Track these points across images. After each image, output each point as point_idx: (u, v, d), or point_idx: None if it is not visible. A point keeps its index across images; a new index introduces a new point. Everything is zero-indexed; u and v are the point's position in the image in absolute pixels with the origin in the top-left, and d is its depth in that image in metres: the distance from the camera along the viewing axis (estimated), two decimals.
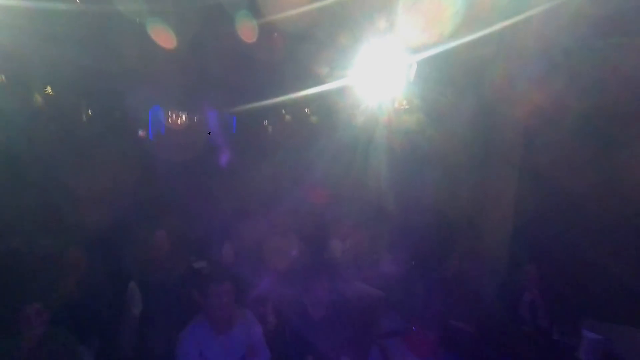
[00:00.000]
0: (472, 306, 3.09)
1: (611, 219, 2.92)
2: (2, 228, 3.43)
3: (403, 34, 4.03)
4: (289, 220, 4.00)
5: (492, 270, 3.45)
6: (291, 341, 2.48)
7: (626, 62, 2.75)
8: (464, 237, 3.80)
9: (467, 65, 3.83)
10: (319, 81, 5.45)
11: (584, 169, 3.00)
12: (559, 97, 3.06)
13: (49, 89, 6.43)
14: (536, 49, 3.34)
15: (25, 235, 3.47)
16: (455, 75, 4.18)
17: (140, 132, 9.74)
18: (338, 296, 2.72)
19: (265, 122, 11.51)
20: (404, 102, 4.93)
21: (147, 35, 4.61)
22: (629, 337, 2.59)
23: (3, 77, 5.21)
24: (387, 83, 4.71)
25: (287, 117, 10.60)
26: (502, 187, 3.71)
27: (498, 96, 3.71)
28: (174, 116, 11.86)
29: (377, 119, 5.30)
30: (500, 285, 3.22)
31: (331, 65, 5.31)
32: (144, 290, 2.81)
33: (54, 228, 3.59)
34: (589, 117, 2.93)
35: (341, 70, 5.01)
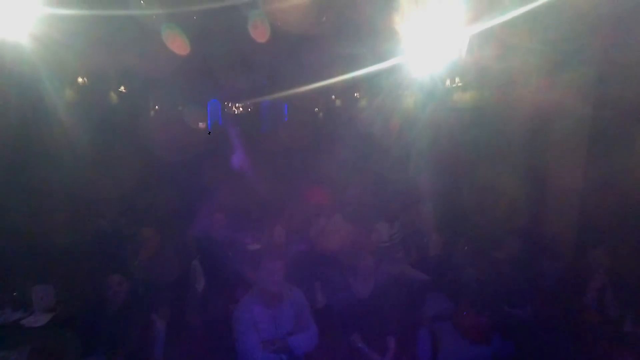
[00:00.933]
0: (529, 291, 2.93)
1: None
2: (90, 212, 3.97)
3: (454, 6, 3.79)
4: (336, 202, 4.09)
5: (554, 253, 3.21)
6: (337, 319, 2.57)
7: None
8: (523, 217, 3.57)
9: (527, 36, 3.51)
10: (367, 63, 5.37)
11: None
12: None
13: (122, 88, 7.17)
14: None
15: (108, 218, 4.00)
16: (515, 50, 3.85)
17: (200, 124, 10.48)
18: (383, 277, 2.75)
19: (316, 109, 11.64)
20: (457, 80, 4.68)
21: (202, 35, 4.89)
22: None
23: (85, 79, 5.91)
24: (438, 60, 4.49)
25: (337, 101, 10.59)
26: (568, 164, 3.40)
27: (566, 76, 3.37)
28: (231, 107, 12.47)
29: (429, 98, 5.11)
30: (564, 269, 3.00)
31: (380, 45, 5.16)
32: (205, 268, 3.09)
33: (130, 211, 4.08)
34: None
35: (390, 49, 4.87)
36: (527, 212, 3.51)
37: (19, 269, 2.77)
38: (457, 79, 4.68)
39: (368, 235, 3.75)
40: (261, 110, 12.16)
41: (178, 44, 5.15)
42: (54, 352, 2.05)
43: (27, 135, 4.25)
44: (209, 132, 9.79)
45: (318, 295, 3.42)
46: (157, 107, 9.04)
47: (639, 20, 2.54)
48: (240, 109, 12.99)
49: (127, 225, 3.77)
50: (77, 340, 2.13)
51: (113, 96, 6.91)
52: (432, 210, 4.05)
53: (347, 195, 4.17)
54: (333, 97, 10.70)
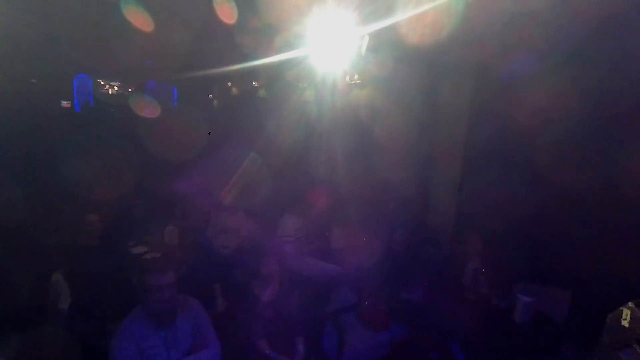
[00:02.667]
0: (420, 277, 3.21)
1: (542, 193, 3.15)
2: None
3: (355, 5, 3.87)
4: (238, 198, 3.82)
5: (438, 241, 3.61)
6: (242, 325, 2.36)
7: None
8: (412, 210, 3.91)
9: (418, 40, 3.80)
10: (268, 53, 5.14)
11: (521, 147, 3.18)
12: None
13: None
14: None
15: None
16: (407, 50, 4.15)
17: (64, 103, 8.60)
18: (290, 274, 2.64)
19: (210, 96, 10.81)
20: (356, 77, 4.84)
21: None
22: (556, 297, 2.86)
23: None
24: (338, 56, 4.56)
25: (234, 89, 10.03)
26: (447, 162, 3.84)
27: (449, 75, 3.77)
28: (104, 86, 10.71)
29: (328, 93, 5.18)
30: (447, 255, 3.38)
31: (281, 36, 4.99)
32: (72, 281, 2.49)
33: None
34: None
35: (291, 41, 4.75)
36: (416, 204, 3.85)
37: None
38: (355, 76, 4.84)
39: (273, 231, 3.60)
40: (145, 92, 10.68)
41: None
42: None
43: None
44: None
45: (218, 299, 3.15)
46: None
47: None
48: (116, 88, 11.23)
49: None
50: None
51: None
52: (332, 203, 4.12)
53: (250, 190, 3.92)
54: (229, 84, 10.09)
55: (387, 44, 4.05)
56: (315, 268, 3.34)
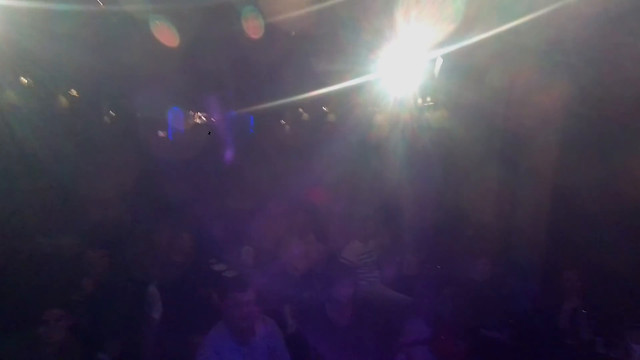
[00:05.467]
0: (505, 314, 2.91)
1: None
2: (25, 228, 3.46)
3: (427, 26, 3.86)
4: (308, 221, 3.91)
5: (526, 275, 3.24)
6: (312, 348, 2.36)
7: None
8: (494, 239, 3.60)
9: (496, 58, 3.62)
10: (338, 78, 5.32)
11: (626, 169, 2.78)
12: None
13: (73, 92, 6.56)
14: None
15: (48, 235, 3.51)
16: (484, 70, 3.96)
17: (161, 133, 9.86)
18: (362, 301, 2.59)
19: (282, 121, 11.46)
20: (428, 99, 4.75)
21: (158, 38, 4.57)
22: None
23: (29, 80, 5.32)
24: (410, 79, 4.54)
25: (305, 115, 10.50)
26: (535, 187, 3.49)
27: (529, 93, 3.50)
28: (193, 117, 11.97)
29: (399, 116, 5.14)
30: (537, 292, 3.02)
31: (350, 61, 5.14)
32: (163, 294, 2.76)
33: (75, 228, 3.61)
34: None
35: (361, 65, 4.86)
36: (499, 233, 3.54)
37: None
38: (428, 98, 4.75)
39: (341, 256, 3.60)
40: (226, 121, 11.73)
41: (140, 44, 4.79)
42: None
43: None
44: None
45: (289, 320, 3.20)
46: (111, 112, 8.38)
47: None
48: (203, 118, 12.47)
49: (69, 245, 3.31)
50: None
51: (62, 100, 6.29)
52: (405, 229, 3.99)
53: (320, 214, 4.00)
54: (300, 110, 10.60)
55: (462, 64, 3.93)
56: (386, 296, 3.23)
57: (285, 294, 3.30)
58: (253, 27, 4.50)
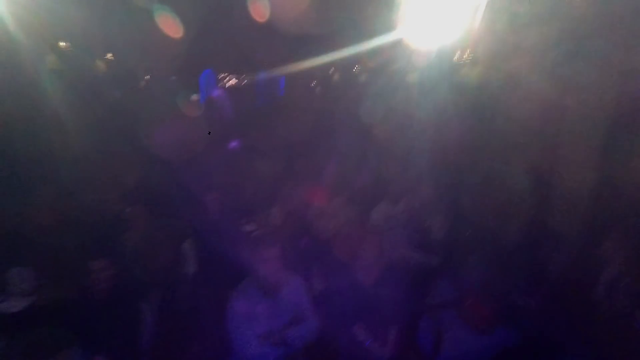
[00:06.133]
0: (536, 281, 2.82)
1: None
2: (74, 186, 3.72)
3: None
4: (336, 181, 3.90)
5: (562, 242, 3.07)
6: (337, 307, 2.43)
7: None
8: (529, 203, 3.41)
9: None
10: (369, 34, 5.02)
11: None
12: None
13: (109, 55, 6.73)
14: None
15: (95, 193, 3.76)
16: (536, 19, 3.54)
17: (194, 96, 10.02)
18: (386, 262, 2.59)
19: (313, 83, 11.19)
20: (468, 53, 4.38)
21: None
22: None
23: (68, 44, 5.49)
24: (447, 30, 4.17)
25: (336, 76, 10.17)
26: (580, 150, 3.20)
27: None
28: (225, 79, 11.97)
29: (434, 73, 4.82)
30: (573, 260, 2.87)
31: (382, 14, 4.79)
32: (196, 251, 2.91)
33: (118, 186, 3.83)
34: None
35: (394, 18, 4.52)
36: (535, 199, 3.34)
37: None
38: (467, 52, 4.38)
39: (369, 216, 3.59)
40: (256, 83, 11.65)
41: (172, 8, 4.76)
42: (30, 345, 1.88)
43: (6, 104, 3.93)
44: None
45: (315, 280, 3.29)
46: (148, 76, 8.57)
47: None
48: (233, 81, 12.46)
49: (115, 201, 3.54)
50: (56, 331, 1.96)
51: (100, 64, 6.48)
52: (435, 192, 3.87)
53: (348, 175, 3.96)
54: (331, 70, 10.26)
55: (509, 12, 3.54)
56: (413, 258, 3.22)
57: (311, 255, 3.38)
58: None
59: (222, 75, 11.83)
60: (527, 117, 3.70)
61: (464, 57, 4.44)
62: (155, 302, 2.52)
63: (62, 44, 5.16)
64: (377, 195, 3.78)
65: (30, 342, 1.90)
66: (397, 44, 4.89)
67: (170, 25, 5.46)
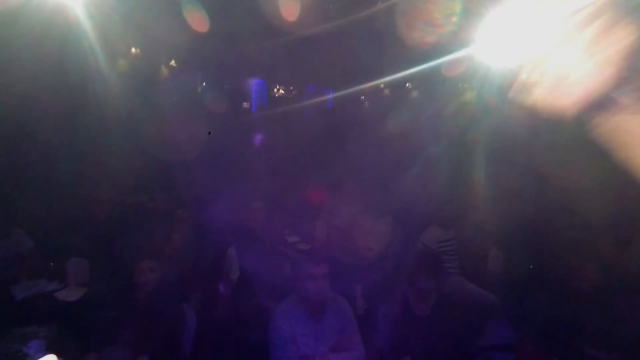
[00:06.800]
0: (611, 335, 2.45)
1: None
2: (130, 184, 3.89)
3: None
4: (386, 201, 3.74)
5: None
6: (390, 336, 2.26)
7: None
8: (605, 244, 3.02)
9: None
10: (423, 53, 4.86)
11: None
12: None
13: (172, 62, 7.16)
14: None
15: (148, 192, 3.91)
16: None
17: (245, 104, 10.39)
18: (445, 294, 2.38)
19: (362, 97, 11.14)
20: (538, 74, 4.07)
21: (253, 16, 4.63)
22: None
23: (138, 50, 5.91)
24: (513, 49, 3.92)
25: (386, 91, 10.05)
26: None
27: None
28: (275, 89, 12.29)
29: (495, 93, 4.55)
30: None
31: (442, 32, 4.61)
32: (241, 258, 2.89)
33: (168, 188, 3.97)
34: None
35: (454, 37, 4.34)
36: (612, 237, 2.96)
37: (58, 239, 2.71)
38: (536, 72, 4.08)
39: (417, 240, 3.38)
40: (305, 95, 11.85)
41: (228, 22, 4.95)
42: (80, 335, 1.92)
43: (77, 101, 4.25)
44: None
45: (358, 300, 3.14)
46: (204, 84, 9.02)
47: None
48: (282, 91, 12.75)
49: (165, 202, 3.65)
50: (105, 324, 1.99)
51: (164, 70, 6.91)
52: (492, 219, 3.58)
53: (398, 194, 3.79)
54: (382, 85, 10.16)
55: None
56: (468, 291, 2.96)
57: (357, 274, 3.24)
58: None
59: (271, 85, 12.16)
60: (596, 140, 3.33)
61: (529, 78, 4.13)
62: (197, 304, 2.50)
63: (133, 49, 5.55)
64: (426, 218, 3.58)
65: (79, 332, 1.94)
66: (457, 62, 4.69)
67: (228, 39, 5.66)
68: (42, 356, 1.27)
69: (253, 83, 10.99)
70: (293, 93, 12.36)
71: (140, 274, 2.05)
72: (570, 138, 3.62)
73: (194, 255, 2.80)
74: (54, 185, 3.26)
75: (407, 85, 8.51)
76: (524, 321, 2.63)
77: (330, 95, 11.45)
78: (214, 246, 2.98)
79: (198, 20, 4.79)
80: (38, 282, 2.48)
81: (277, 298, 2.29)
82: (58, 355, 1.28)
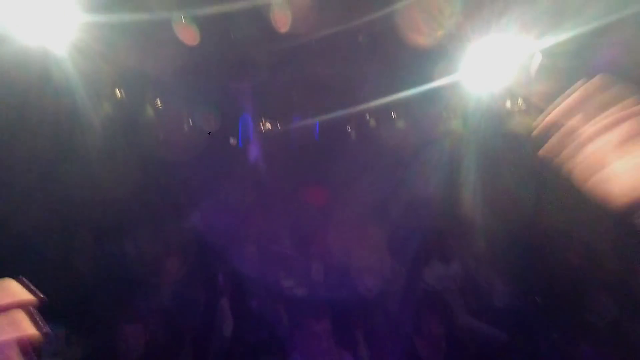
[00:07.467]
0: None
1: None
2: (113, 231, 3.66)
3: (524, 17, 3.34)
4: (381, 235, 3.62)
5: None
6: None
7: None
8: (616, 271, 2.93)
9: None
10: (409, 81, 4.94)
11: None
12: None
13: (158, 103, 7.09)
14: None
15: (133, 239, 3.68)
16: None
17: (232, 140, 10.33)
18: (449, 333, 2.22)
19: (348, 128, 11.26)
20: (519, 102, 4.15)
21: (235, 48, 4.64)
22: None
23: (122, 92, 5.82)
24: (496, 79, 4.01)
25: (372, 121, 10.17)
26: None
27: None
28: (260, 124, 12.33)
29: (480, 122, 4.60)
30: None
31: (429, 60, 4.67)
32: (234, 310, 2.68)
33: (154, 234, 3.75)
34: None
35: (440, 68, 4.42)
36: (623, 264, 2.88)
37: None
38: (519, 101, 4.16)
39: (418, 277, 3.24)
40: (291, 127, 11.92)
41: (211, 58, 4.96)
42: None
43: (58, 145, 4.08)
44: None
45: (360, 347, 2.93)
46: (190, 121, 8.95)
47: None
48: (268, 125, 12.81)
49: (150, 250, 3.42)
50: None
51: (149, 110, 6.81)
52: (492, 251, 3.48)
53: (394, 229, 3.67)
54: (367, 116, 10.29)
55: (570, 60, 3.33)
56: (478, 331, 2.79)
57: (356, 318, 3.05)
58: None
59: (258, 119, 12.20)
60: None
61: (516, 105, 4.20)
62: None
63: (117, 91, 5.46)
64: (426, 251, 3.46)
65: None
66: (442, 90, 4.77)
67: (213, 75, 5.66)
68: None
69: (240, 118, 11.03)
70: (279, 126, 12.43)
71: (123, 339, 1.84)
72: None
73: (184, 310, 2.57)
74: (26, 241, 3.03)
75: (392, 114, 8.62)
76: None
77: (317, 127, 11.53)
78: (206, 298, 2.76)
79: (182, 58, 4.79)
80: None
81: (275, 351, 2.09)
82: None
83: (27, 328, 0.52)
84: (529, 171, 3.94)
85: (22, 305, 0.54)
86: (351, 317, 2.85)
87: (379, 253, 3.47)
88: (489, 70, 3.94)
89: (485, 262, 3.32)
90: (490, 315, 2.98)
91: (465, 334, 2.60)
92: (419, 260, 3.31)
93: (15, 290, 0.55)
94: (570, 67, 3.43)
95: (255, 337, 2.53)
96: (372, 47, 4.72)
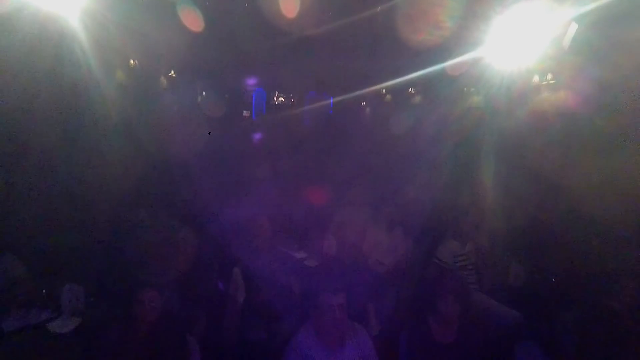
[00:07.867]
0: None
1: None
2: (132, 200, 3.71)
3: None
4: (396, 213, 3.57)
5: None
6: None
7: None
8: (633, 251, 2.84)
9: None
10: (429, 56, 4.72)
11: None
12: None
13: (172, 73, 7.03)
14: None
15: (149, 209, 3.73)
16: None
17: (245, 113, 10.26)
18: (469, 317, 2.20)
19: (363, 103, 11.00)
20: (549, 77, 3.93)
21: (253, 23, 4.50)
22: None
23: (135, 62, 5.77)
24: (525, 51, 3.78)
25: (388, 97, 9.91)
26: None
27: None
28: (274, 97, 12.21)
29: (505, 97, 4.40)
30: None
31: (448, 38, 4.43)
32: (247, 278, 2.70)
33: (172, 205, 3.78)
34: None
35: (460, 42, 4.19)
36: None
37: (52, 262, 2.52)
38: (549, 76, 3.93)
39: (432, 256, 3.20)
40: (305, 101, 11.74)
41: (228, 29, 4.83)
42: None
43: (74, 114, 4.09)
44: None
45: (372, 320, 2.95)
46: (204, 93, 8.88)
47: None
48: (282, 99, 12.65)
49: (167, 220, 3.46)
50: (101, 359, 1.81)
51: (163, 81, 6.77)
52: (509, 229, 3.40)
53: (410, 207, 3.61)
54: (383, 91, 10.02)
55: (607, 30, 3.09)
56: (492, 309, 2.76)
57: (369, 291, 3.05)
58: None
59: (270, 92, 12.08)
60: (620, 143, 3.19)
61: (545, 81, 3.98)
62: (201, 331, 2.32)
63: (131, 61, 5.41)
64: (441, 229, 3.40)
65: None
66: (463, 68, 4.55)
67: (227, 47, 5.54)
68: None
69: (253, 91, 10.88)
70: (292, 100, 12.24)
71: (140, 305, 1.87)
72: (584, 140, 3.49)
73: (198, 277, 2.61)
74: (48, 203, 3.09)
75: (409, 90, 8.37)
76: (554, 344, 2.44)
77: (331, 102, 11.33)
78: (220, 266, 2.80)
79: (197, 29, 4.68)
80: (29, 312, 2.29)
81: (287, 320, 2.12)
82: None
83: None
84: (552, 151, 3.79)
85: None
86: (363, 290, 2.86)
87: (393, 228, 3.43)
88: (517, 42, 3.73)
89: (501, 240, 3.25)
90: (504, 294, 2.95)
91: (479, 313, 2.57)
92: (434, 238, 3.25)
93: None
94: (606, 38, 3.21)
95: (266, 305, 2.55)
96: (391, 22, 4.52)
